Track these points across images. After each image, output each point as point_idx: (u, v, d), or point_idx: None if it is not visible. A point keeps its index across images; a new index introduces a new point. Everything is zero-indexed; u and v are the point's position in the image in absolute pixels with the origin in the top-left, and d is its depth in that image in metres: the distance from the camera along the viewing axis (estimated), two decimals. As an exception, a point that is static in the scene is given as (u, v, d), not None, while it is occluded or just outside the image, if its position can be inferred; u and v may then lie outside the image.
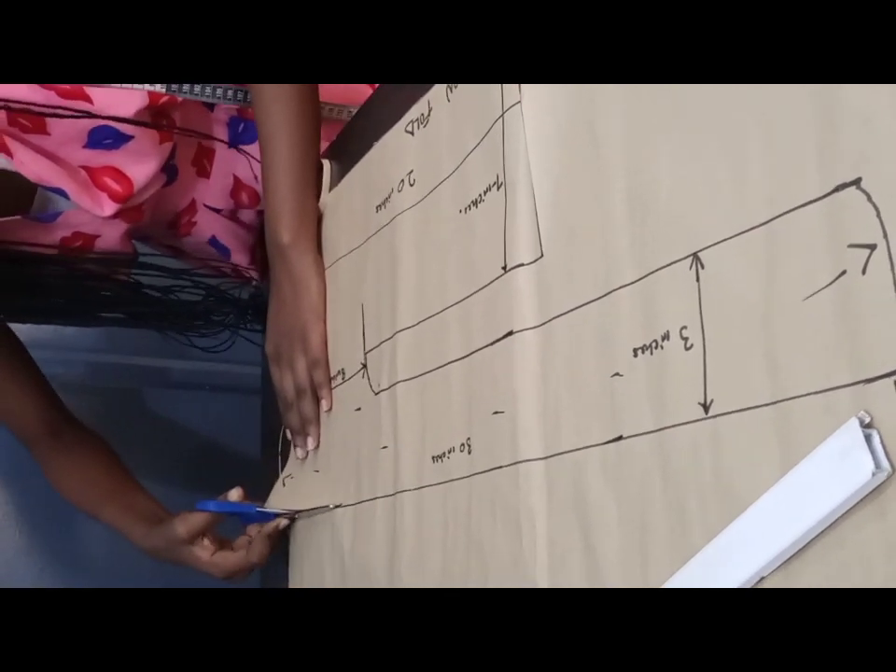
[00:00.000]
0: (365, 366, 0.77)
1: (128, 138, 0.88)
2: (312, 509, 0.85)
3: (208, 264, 1.12)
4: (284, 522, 0.89)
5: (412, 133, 0.72)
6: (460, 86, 0.65)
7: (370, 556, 0.73)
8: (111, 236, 0.96)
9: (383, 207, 0.76)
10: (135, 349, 1.56)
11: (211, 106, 0.96)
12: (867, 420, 0.34)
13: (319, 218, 0.88)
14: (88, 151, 0.89)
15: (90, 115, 0.85)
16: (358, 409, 0.78)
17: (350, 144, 0.86)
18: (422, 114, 0.71)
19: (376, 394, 0.75)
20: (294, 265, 0.86)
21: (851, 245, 0.35)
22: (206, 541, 0.91)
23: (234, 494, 0.89)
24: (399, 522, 0.68)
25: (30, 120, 0.85)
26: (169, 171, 0.98)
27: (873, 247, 0.34)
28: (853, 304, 0.35)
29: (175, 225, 1.06)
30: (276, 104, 0.84)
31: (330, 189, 0.88)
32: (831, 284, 0.36)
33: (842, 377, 0.35)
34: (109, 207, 0.91)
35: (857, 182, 0.35)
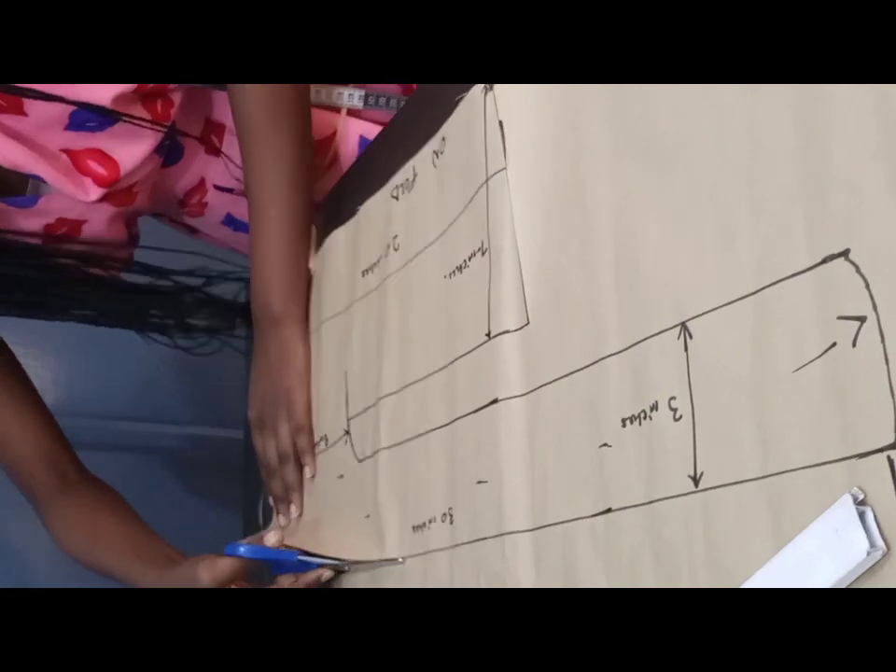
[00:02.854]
0: (348, 432, 0.76)
1: (114, 120, 0.82)
2: (371, 561, 0.68)
3: (224, 244, 1.05)
4: (328, 574, 0.73)
5: (396, 199, 0.72)
6: (445, 151, 0.66)
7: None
8: (99, 221, 0.90)
9: (369, 272, 0.76)
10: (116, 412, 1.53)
11: None
12: (861, 497, 0.33)
13: (308, 285, 0.87)
14: (69, 133, 0.82)
15: (63, 100, 0.79)
16: (341, 476, 0.77)
17: (335, 209, 0.86)
18: (407, 179, 0.71)
19: (360, 461, 0.73)
20: (283, 333, 0.85)
21: (841, 317, 0.35)
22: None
23: (272, 537, 0.73)
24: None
25: (6, 100, 0.78)
26: (172, 150, 0.91)
27: (863, 319, 0.34)
28: (844, 377, 0.34)
29: (184, 205, 1.00)
30: (271, 172, 0.81)
31: (315, 254, 0.88)
32: (821, 356, 0.35)
33: (834, 451, 0.35)
34: (94, 192, 0.85)
35: (845, 253, 0.35)
